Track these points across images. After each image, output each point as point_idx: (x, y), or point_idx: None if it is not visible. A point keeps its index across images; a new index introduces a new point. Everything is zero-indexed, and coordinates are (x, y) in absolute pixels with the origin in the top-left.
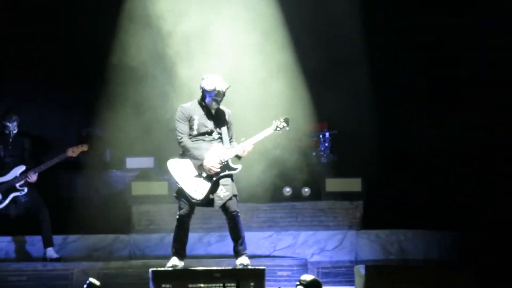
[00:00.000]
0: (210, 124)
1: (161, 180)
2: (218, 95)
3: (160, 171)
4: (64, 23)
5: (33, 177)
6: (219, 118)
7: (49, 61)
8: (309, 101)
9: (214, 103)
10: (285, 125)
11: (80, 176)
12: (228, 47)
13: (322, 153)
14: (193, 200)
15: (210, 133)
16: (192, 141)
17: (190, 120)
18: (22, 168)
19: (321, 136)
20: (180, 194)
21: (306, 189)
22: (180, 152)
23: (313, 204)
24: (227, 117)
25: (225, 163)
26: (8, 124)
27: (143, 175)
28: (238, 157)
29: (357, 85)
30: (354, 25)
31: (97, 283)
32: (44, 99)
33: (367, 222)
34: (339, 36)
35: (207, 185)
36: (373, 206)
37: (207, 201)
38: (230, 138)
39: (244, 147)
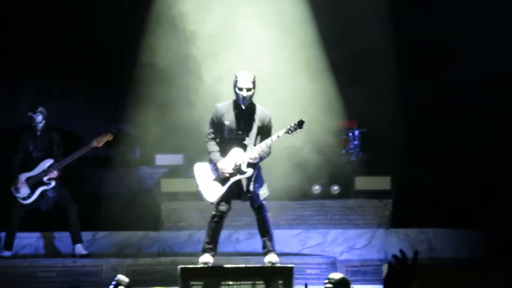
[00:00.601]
0: (240, 127)
1: (190, 177)
2: (241, 89)
3: (190, 168)
4: (95, 19)
5: (54, 173)
6: (252, 120)
7: (77, 58)
8: (338, 98)
9: (242, 98)
10: (298, 127)
11: (109, 173)
12: (252, 45)
13: (352, 151)
14: (208, 203)
15: (240, 136)
16: (222, 142)
17: (220, 122)
18: (50, 161)
19: (350, 134)
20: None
21: (335, 187)
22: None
23: (342, 202)
24: (262, 119)
25: (238, 166)
26: (34, 116)
27: (172, 172)
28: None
29: (387, 82)
30: (383, 19)
31: (126, 279)
32: (73, 95)
33: (396, 221)
34: (368, 32)
35: (222, 188)
36: (403, 205)
37: (238, 196)
38: (256, 142)
39: (251, 153)
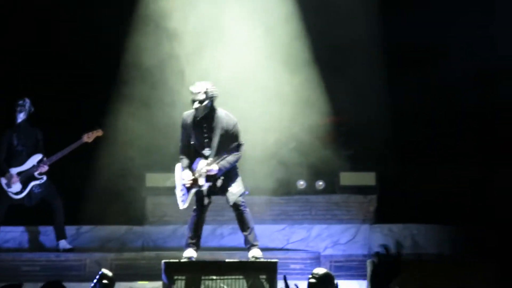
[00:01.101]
0: (203, 136)
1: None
2: (193, 102)
3: (175, 163)
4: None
5: (44, 167)
6: (214, 128)
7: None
8: (323, 94)
9: (195, 110)
10: (235, 151)
11: (93, 167)
12: (236, 41)
13: (337, 146)
14: (180, 208)
15: (202, 144)
16: (192, 150)
17: (186, 131)
18: (39, 156)
19: (335, 129)
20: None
21: (320, 183)
22: None
23: (327, 197)
24: (225, 126)
25: (196, 179)
26: (17, 111)
27: (157, 166)
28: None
29: (373, 78)
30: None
31: (110, 273)
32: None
33: (381, 216)
34: (354, 27)
35: (187, 196)
36: (387, 200)
37: (218, 192)
38: (220, 150)
39: (210, 167)
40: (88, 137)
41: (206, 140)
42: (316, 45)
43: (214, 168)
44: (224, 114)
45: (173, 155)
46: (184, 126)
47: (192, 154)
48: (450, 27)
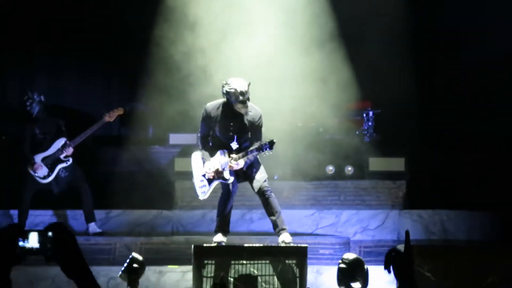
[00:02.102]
0: (229, 128)
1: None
2: (243, 95)
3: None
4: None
5: (70, 150)
6: (241, 121)
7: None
8: (351, 79)
9: (239, 106)
10: (268, 149)
11: (123, 151)
12: (261, 25)
13: (366, 132)
14: (201, 198)
15: (228, 136)
16: (213, 141)
17: (210, 122)
18: (62, 140)
19: (364, 115)
20: None
21: (349, 168)
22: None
23: (356, 183)
24: (251, 119)
25: (221, 172)
26: (28, 106)
27: (186, 151)
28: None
29: (402, 63)
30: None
31: (140, 258)
32: (86, 74)
33: (410, 202)
34: (384, 12)
35: (208, 188)
36: (416, 186)
37: (241, 179)
38: (245, 142)
39: (236, 164)
40: (109, 117)
41: (231, 133)
42: (342, 30)
43: (241, 163)
44: (251, 106)
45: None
46: (208, 118)
47: (214, 146)
48: (480, 10)
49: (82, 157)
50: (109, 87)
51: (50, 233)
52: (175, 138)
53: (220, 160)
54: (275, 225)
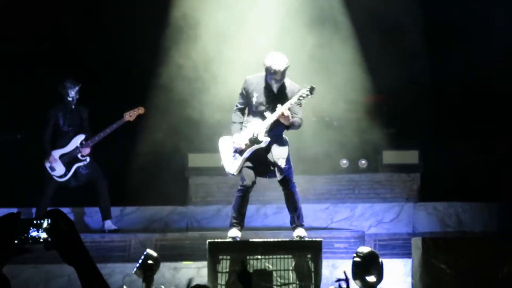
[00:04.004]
0: (268, 102)
1: (218, 151)
2: (275, 74)
3: (217, 143)
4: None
5: (87, 150)
6: (281, 96)
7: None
8: (364, 72)
9: (273, 82)
10: (309, 94)
11: (136, 148)
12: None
13: (379, 125)
14: (229, 175)
15: (265, 110)
16: (249, 115)
17: (248, 95)
18: (81, 137)
19: (378, 108)
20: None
21: (363, 161)
22: None
23: (370, 176)
24: (290, 94)
25: (256, 137)
26: (70, 90)
27: (199, 146)
28: (282, 126)
29: (415, 56)
30: None
31: (155, 254)
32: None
33: (425, 194)
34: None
35: (240, 158)
36: (431, 178)
37: (265, 173)
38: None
39: (277, 114)
40: (130, 116)
41: (266, 105)
42: (358, 23)
43: (286, 112)
44: (289, 82)
45: (216, 135)
46: (246, 90)
47: (249, 119)
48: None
49: (96, 152)
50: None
51: (48, 220)
52: None
53: (253, 129)
54: (292, 220)
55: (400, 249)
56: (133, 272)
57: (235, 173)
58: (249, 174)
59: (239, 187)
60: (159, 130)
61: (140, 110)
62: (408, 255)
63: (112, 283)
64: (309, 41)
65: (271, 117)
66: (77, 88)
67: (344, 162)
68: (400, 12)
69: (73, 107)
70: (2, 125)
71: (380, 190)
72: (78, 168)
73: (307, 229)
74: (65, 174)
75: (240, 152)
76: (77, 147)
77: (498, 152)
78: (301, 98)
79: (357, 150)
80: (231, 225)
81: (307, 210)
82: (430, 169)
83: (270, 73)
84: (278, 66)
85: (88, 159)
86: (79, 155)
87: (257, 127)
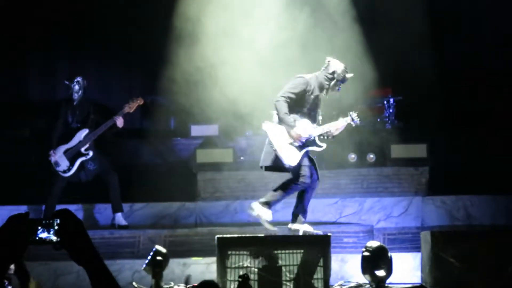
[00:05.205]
0: (318, 103)
1: (226, 147)
2: (344, 83)
3: (225, 139)
4: None
5: (120, 121)
6: (323, 98)
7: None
8: (372, 66)
9: (336, 89)
10: (357, 120)
11: (145, 144)
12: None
13: (387, 119)
14: (286, 166)
15: (316, 112)
16: (297, 114)
17: (306, 96)
18: (85, 131)
19: (385, 102)
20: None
21: (371, 156)
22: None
23: (378, 170)
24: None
25: (313, 139)
26: (71, 85)
27: (207, 142)
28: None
29: (421, 49)
30: None
31: (164, 250)
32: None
33: (433, 188)
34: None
35: (299, 154)
36: (439, 172)
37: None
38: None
39: (330, 128)
40: (129, 107)
41: (318, 109)
42: (362, 17)
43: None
44: None
45: (224, 130)
46: (305, 90)
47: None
48: None
49: (105, 150)
50: (131, 77)
51: (57, 220)
52: (196, 130)
53: (308, 128)
54: (293, 218)
55: (409, 243)
56: (142, 268)
57: (293, 166)
58: (310, 172)
59: (299, 183)
60: (168, 125)
61: (139, 101)
62: (417, 249)
63: (122, 280)
64: (311, 32)
65: (327, 127)
66: (78, 85)
67: (352, 157)
68: (407, 2)
69: (79, 103)
70: (11, 122)
71: (389, 184)
72: (86, 163)
73: (316, 223)
74: (69, 169)
75: (298, 146)
76: (80, 141)
77: (506, 145)
78: (351, 123)
79: (365, 144)
80: (302, 222)
81: (316, 204)
82: (438, 162)
83: (342, 80)
84: (349, 75)
85: (91, 153)
86: (82, 149)
87: (313, 131)
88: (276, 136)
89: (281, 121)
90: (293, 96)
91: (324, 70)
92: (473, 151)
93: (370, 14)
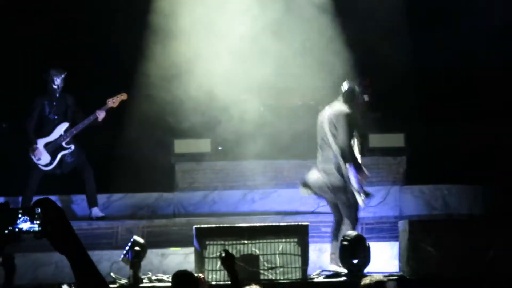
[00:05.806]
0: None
1: (204, 137)
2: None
3: (202, 129)
4: None
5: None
6: None
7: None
8: (349, 56)
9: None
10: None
11: (122, 135)
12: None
13: (364, 108)
14: (361, 208)
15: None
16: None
17: (354, 127)
18: (65, 125)
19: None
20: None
21: None
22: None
23: None
24: None
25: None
26: (56, 78)
27: (185, 132)
28: None
29: (398, 38)
30: None
31: (141, 241)
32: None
33: (411, 178)
34: None
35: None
36: (417, 162)
37: None
38: None
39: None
40: (113, 102)
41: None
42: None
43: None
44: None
45: (202, 122)
46: (354, 123)
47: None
48: None
49: (81, 140)
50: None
51: (38, 210)
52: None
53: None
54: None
55: (387, 232)
56: (121, 259)
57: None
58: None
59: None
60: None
61: (123, 96)
62: (395, 238)
63: (100, 271)
64: (290, 24)
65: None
66: (62, 76)
67: None
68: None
69: (58, 95)
70: None
71: None
72: (63, 156)
73: (294, 213)
74: (50, 163)
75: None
76: (61, 135)
77: (483, 134)
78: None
79: None
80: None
81: (294, 195)
82: (416, 152)
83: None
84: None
85: (72, 147)
86: (63, 143)
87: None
88: (351, 176)
89: (352, 166)
90: (348, 136)
91: (342, 98)
92: (451, 141)
93: (345, 3)
